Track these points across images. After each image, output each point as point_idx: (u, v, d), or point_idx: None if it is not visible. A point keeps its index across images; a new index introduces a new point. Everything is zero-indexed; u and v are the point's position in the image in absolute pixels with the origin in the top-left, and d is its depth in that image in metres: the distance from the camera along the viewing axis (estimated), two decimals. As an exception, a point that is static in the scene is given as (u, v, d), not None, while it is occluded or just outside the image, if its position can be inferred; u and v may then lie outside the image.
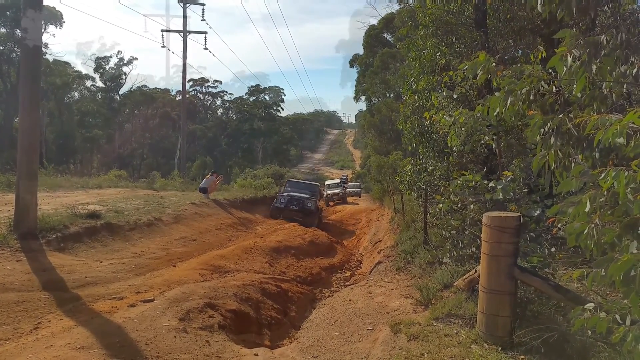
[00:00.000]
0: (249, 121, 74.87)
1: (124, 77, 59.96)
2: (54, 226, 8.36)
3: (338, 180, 41.09)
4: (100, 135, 56.79)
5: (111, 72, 58.65)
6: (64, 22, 44.27)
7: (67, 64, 53.97)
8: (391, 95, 36.88)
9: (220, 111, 80.00)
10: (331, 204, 30.38)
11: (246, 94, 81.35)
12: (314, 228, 14.46)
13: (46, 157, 34.96)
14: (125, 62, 58.97)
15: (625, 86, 2.89)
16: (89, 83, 59.71)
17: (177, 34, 30.80)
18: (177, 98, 61.78)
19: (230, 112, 79.35)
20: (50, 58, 46.42)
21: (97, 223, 9.39)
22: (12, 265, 6.67)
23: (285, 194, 17.97)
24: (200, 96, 76.53)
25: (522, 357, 3.35)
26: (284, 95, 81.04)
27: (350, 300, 6.19)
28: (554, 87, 3.09)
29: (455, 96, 7.23)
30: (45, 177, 16.35)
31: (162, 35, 31.95)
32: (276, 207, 17.19)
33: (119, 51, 78.33)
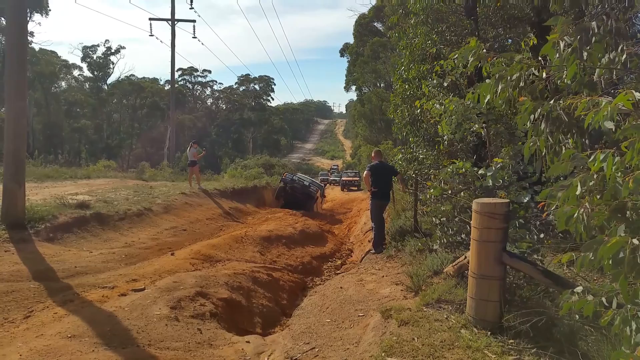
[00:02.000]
0: (238, 111, 74.63)
1: (111, 66, 59.34)
2: (43, 216, 8.28)
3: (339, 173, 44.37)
4: (88, 125, 56.25)
5: (98, 62, 57.97)
6: (50, 10, 43.46)
7: (53, 53, 53.24)
8: (382, 85, 36.93)
9: (209, 101, 79.71)
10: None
11: (236, 83, 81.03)
12: (305, 217, 14.50)
13: (34, 147, 34.55)
14: (112, 51, 58.37)
15: (615, 73, 2.90)
16: (76, 72, 59.08)
17: (165, 22, 30.49)
18: (166, 88, 61.21)
19: (220, 101, 79.01)
20: (36, 47, 45.71)
21: (87, 213, 9.32)
22: (0, 255, 6.61)
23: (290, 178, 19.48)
24: (190, 86, 76.01)
25: (510, 341, 3.39)
26: (274, 84, 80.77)
27: (341, 287, 6.21)
28: (544, 74, 3.10)
29: (445, 84, 7.25)
30: (33, 168, 16.20)
31: (150, 23, 31.66)
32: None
33: (106, 40, 77.18)
